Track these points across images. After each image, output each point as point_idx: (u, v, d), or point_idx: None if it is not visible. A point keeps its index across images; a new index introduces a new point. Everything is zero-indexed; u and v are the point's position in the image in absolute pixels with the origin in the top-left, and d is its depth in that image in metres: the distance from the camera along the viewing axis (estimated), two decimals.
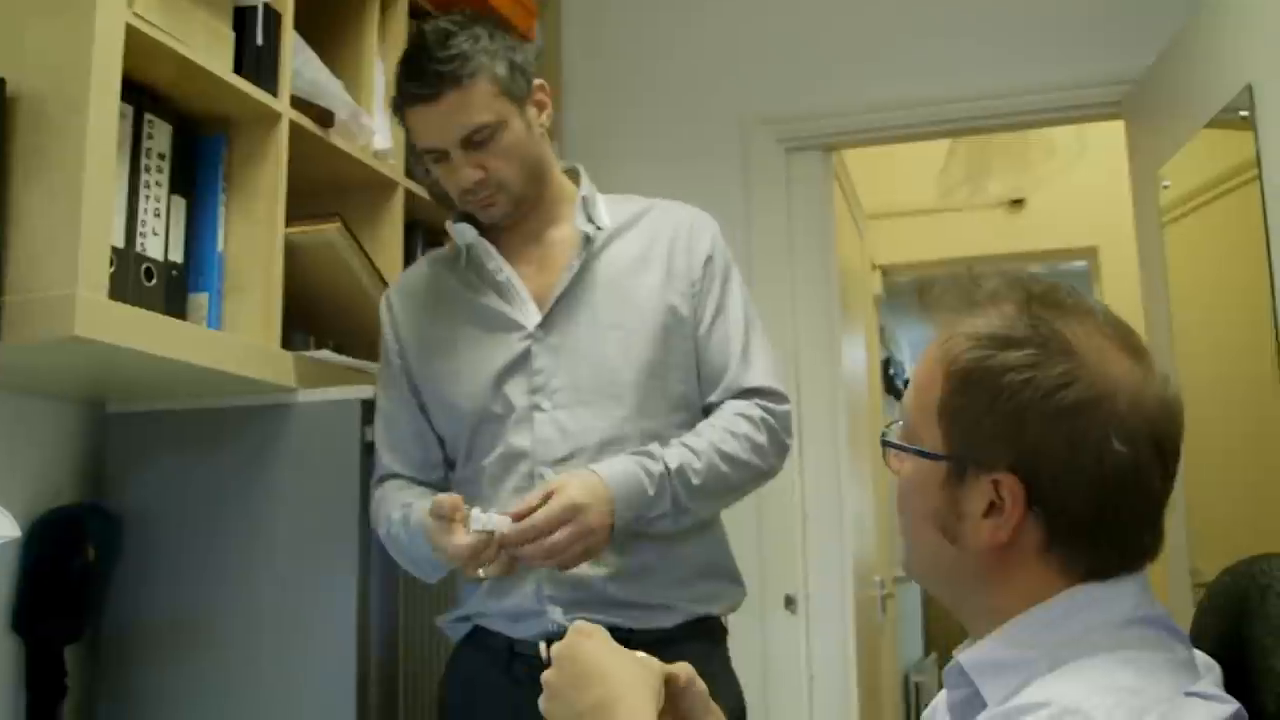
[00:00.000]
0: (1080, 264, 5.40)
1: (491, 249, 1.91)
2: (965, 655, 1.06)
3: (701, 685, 1.29)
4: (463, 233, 1.92)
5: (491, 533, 1.67)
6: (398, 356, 1.96)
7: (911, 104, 3.16)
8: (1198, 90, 2.54)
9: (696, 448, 1.80)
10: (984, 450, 1.02)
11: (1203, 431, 2.57)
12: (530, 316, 1.87)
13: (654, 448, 1.78)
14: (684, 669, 1.26)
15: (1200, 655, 1.04)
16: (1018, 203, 4.95)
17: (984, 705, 1.02)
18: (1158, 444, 1.01)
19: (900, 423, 1.14)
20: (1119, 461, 0.98)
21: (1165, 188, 2.76)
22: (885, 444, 1.14)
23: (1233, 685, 1.01)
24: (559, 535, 1.66)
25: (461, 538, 1.68)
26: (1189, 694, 0.95)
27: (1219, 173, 2.58)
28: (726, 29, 3.35)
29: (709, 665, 1.83)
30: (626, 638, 1.71)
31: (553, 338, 1.85)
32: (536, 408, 1.83)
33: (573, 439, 1.81)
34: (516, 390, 1.85)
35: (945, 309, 1.09)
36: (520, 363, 1.85)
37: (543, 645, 1.69)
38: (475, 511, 1.68)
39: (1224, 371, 2.49)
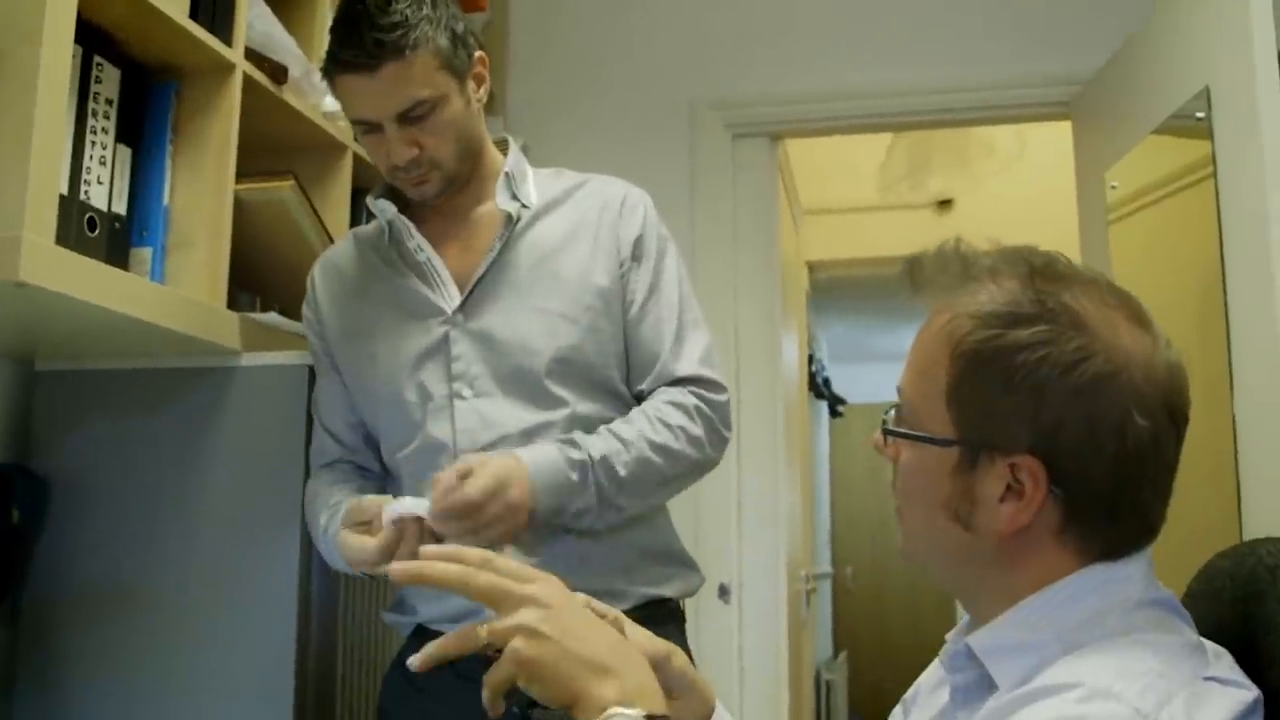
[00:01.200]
0: None
1: (412, 227, 1.82)
2: (975, 638, 1.03)
3: (682, 661, 1.23)
4: (383, 210, 1.84)
5: (415, 519, 1.56)
6: (318, 337, 1.89)
7: (861, 95, 3.17)
8: (1151, 92, 2.56)
9: (625, 436, 1.72)
10: (999, 434, 0.99)
11: None
12: (450, 300, 1.79)
13: (578, 435, 1.71)
14: (663, 645, 1.19)
15: (1206, 641, 1.01)
16: (946, 204, 4.99)
17: (993, 688, 0.99)
18: (1172, 413, 0.99)
19: (895, 409, 1.10)
20: (1140, 436, 0.96)
21: (1113, 188, 2.78)
22: (888, 432, 1.10)
23: (1242, 668, 0.99)
24: (486, 513, 1.57)
25: (366, 540, 1.58)
26: (1206, 678, 0.93)
27: (1167, 173, 2.60)
28: (678, 9, 3.33)
29: None
30: None
31: (472, 323, 1.77)
32: (457, 396, 1.75)
33: (495, 428, 1.73)
34: (433, 378, 1.77)
35: (939, 287, 1.05)
36: (437, 349, 1.77)
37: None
38: (391, 503, 1.59)
39: None
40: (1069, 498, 0.98)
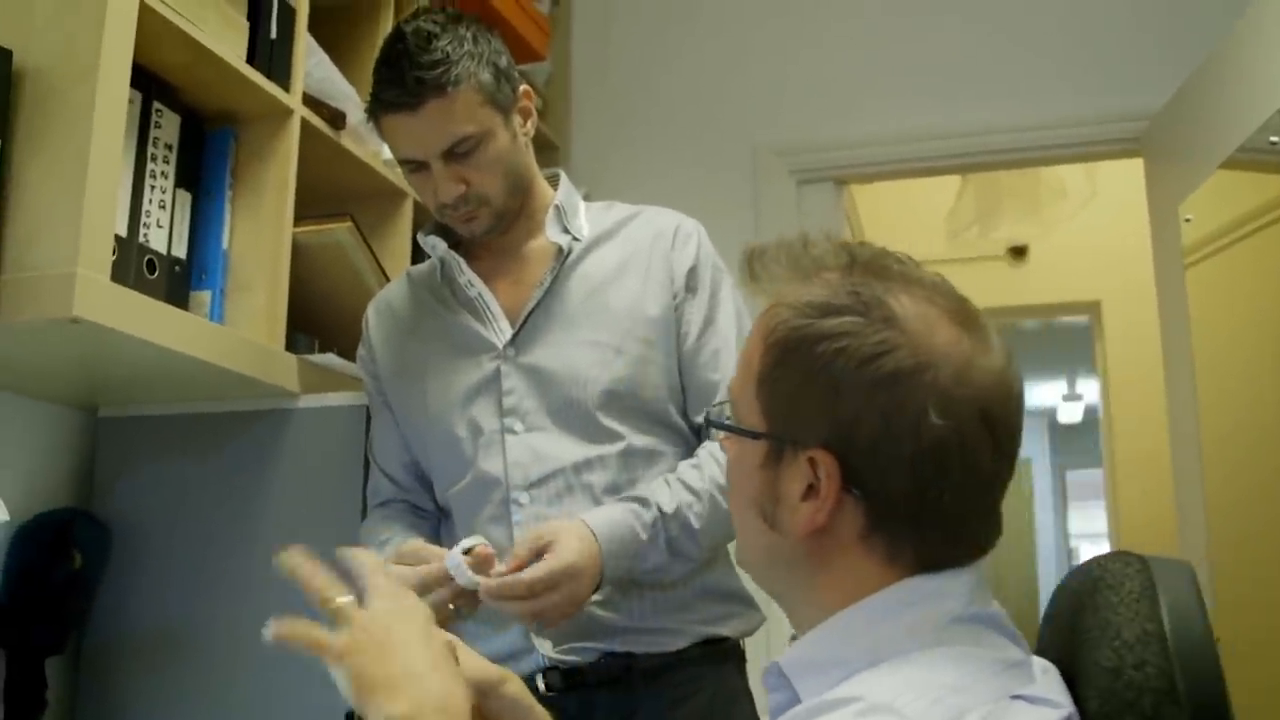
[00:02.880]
0: (1082, 319, 5.36)
1: (462, 263, 1.81)
2: (785, 655, 0.99)
3: (516, 689, 1.15)
4: (434, 246, 1.83)
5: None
6: (372, 376, 1.89)
7: (926, 137, 3.13)
8: (1222, 120, 2.50)
9: (695, 486, 1.68)
10: (799, 427, 0.96)
11: (1233, 478, 2.54)
12: (501, 335, 1.77)
13: (649, 491, 1.67)
14: (495, 671, 1.14)
15: (1037, 660, 0.97)
16: (1020, 252, 4.91)
17: None
18: (987, 420, 0.93)
19: (727, 404, 1.08)
20: (939, 436, 0.91)
21: (1187, 221, 2.71)
22: (708, 423, 1.08)
23: (1068, 686, 0.96)
24: (547, 599, 1.52)
25: (406, 571, 1.53)
26: (1016, 697, 0.89)
27: (1244, 212, 2.54)
28: (739, 57, 3.32)
29: (723, 690, 1.76)
30: (627, 663, 1.65)
31: (523, 357, 1.75)
32: (508, 430, 1.73)
33: (547, 461, 1.70)
34: (485, 413, 1.75)
35: (773, 279, 1.03)
36: (489, 384, 1.75)
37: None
38: (453, 551, 1.53)
39: (1257, 417, 2.43)
40: (868, 498, 0.94)
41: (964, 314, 0.97)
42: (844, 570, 0.96)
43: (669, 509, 1.65)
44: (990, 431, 0.94)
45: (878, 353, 0.92)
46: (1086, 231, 4.51)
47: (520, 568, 1.52)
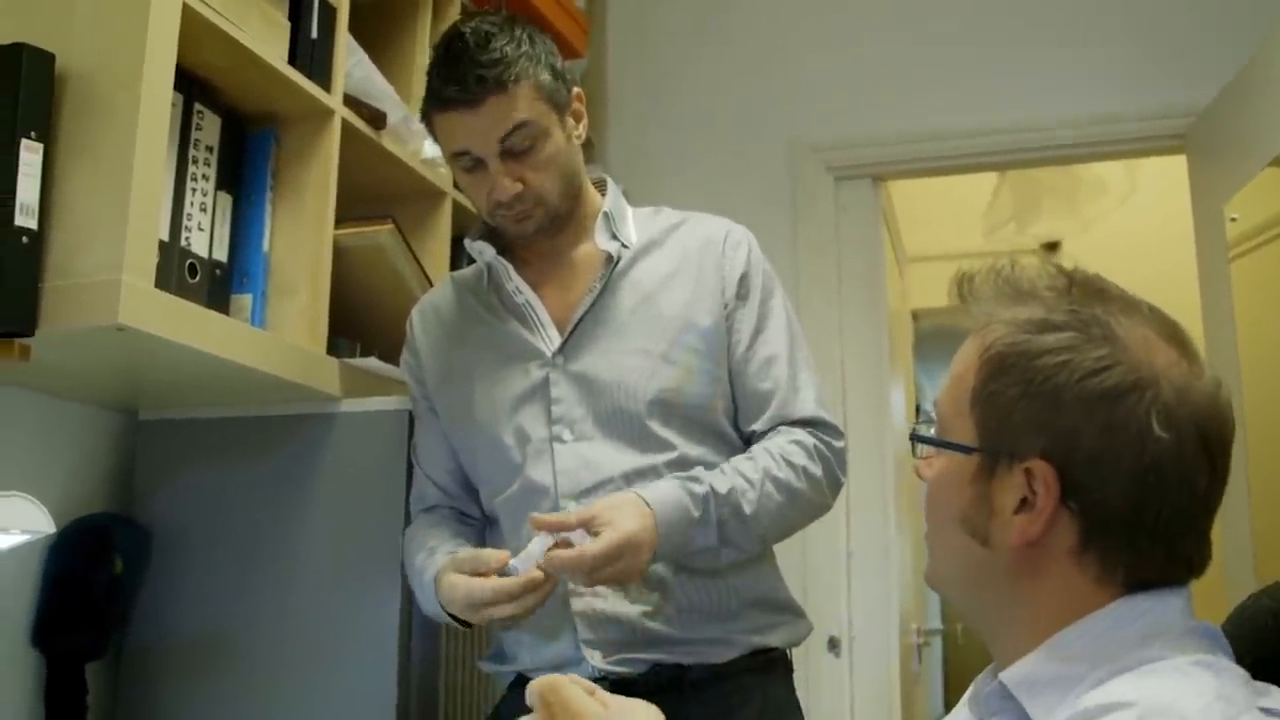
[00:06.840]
0: None
1: (510, 269, 1.79)
2: (1008, 673, 0.97)
3: None
4: (481, 251, 1.81)
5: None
6: (418, 382, 1.87)
7: (966, 134, 3.09)
8: (1271, 118, 2.46)
9: (749, 475, 1.66)
10: (1016, 439, 0.96)
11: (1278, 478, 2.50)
12: (550, 343, 1.75)
13: (698, 472, 1.65)
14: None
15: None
16: (1052, 248, 4.86)
17: None
18: (1204, 439, 0.94)
19: (930, 421, 1.08)
20: (1161, 449, 0.92)
21: (1233, 221, 2.66)
22: (914, 439, 1.09)
23: None
24: (606, 570, 1.52)
25: (480, 582, 1.56)
26: (1264, 709, 0.87)
27: None
28: (776, 53, 3.29)
29: (771, 700, 1.74)
30: (677, 674, 1.64)
31: (572, 365, 1.73)
32: (557, 439, 1.71)
33: (596, 471, 1.69)
34: (533, 421, 1.73)
35: (986, 300, 1.04)
36: (537, 392, 1.74)
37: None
38: (512, 563, 1.55)
39: None
40: (1085, 512, 0.94)
41: (1179, 338, 0.98)
42: (1055, 586, 0.96)
43: (721, 490, 1.63)
44: (1208, 452, 0.94)
45: (1099, 368, 0.93)
46: (1117, 225, 4.46)
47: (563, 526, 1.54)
